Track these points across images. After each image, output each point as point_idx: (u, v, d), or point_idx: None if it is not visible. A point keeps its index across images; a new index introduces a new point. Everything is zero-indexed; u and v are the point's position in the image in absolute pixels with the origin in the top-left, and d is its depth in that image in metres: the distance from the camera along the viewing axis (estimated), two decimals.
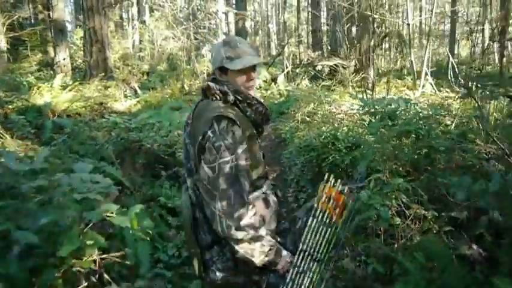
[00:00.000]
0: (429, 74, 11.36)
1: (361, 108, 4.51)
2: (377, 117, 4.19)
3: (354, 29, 18.83)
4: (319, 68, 15.51)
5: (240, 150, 1.53)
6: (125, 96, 8.56)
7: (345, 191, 1.56)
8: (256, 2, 36.07)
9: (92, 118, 6.22)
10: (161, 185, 4.00)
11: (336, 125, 5.87)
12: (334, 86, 14.21)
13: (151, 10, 16.03)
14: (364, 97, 8.09)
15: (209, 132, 1.53)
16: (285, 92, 11.80)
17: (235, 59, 1.63)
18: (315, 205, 1.55)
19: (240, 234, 1.46)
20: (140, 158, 4.02)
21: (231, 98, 1.63)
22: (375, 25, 15.88)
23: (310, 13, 21.16)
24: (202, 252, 1.67)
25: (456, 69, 11.95)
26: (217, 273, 1.62)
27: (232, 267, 1.62)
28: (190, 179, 1.69)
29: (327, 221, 1.55)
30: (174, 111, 6.67)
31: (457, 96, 9.23)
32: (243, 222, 1.47)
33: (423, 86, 11.32)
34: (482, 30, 21.00)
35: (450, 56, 11.54)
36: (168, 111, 6.48)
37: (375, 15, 10.72)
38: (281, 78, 13.52)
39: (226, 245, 1.55)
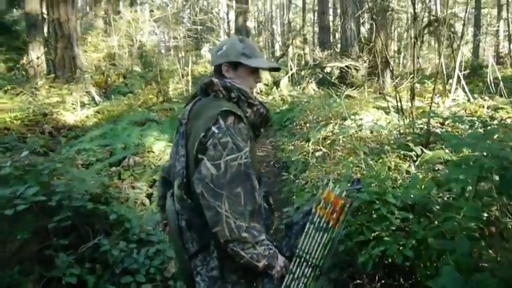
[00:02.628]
0: (462, 78, 9.47)
1: (401, 130, 2.82)
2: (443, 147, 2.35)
3: (365, 26, 17.01)
4: (328, 70, 13.66)
5: (247, 148, 1.47)
6: (83, 104, 6.76)
7: (343, 195, 1.52)
8: (260, 1, 34.63)
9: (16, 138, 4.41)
10: None
11: (371, 161, 3.47)
12: (345, 91, 12.40)
13: (131, 4, 14.27)
14: (393, 107, 6.30)
15: (214, 128, 1.43)
16: (288, 97, 9.99)
17: (252, 57, 1.62)
18: (313, 210, 1.52)
19: (250, 237, 1.39)
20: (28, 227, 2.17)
21: (235, 95, 1.56)
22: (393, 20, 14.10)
23: (317, 11, 19.41)
24: (189, 261, 1.58)
25: (493, 74, 10.13)
26: (202, 284, 1.54)
27: (218, 276, 1.52)
28: (177, 182, 1.56)
29: (324, 226, 1.51)
30: (136, 127, 4.89)
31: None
32: (252, 224, 1.40)
33: (455, 92, 9.44)
34: (497, 32, 19.34)
35: (491, 57, 9.60)
36: (127, 127, 4.70)
37: (396, 7, 8.88)
38: (284, 82, 11.67)
39: (214, 251, 1.50)
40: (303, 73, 13.93)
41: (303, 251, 1.50)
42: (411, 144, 3.36)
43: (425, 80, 13.34)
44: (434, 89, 5.63)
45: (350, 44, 13.87)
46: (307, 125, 5.90)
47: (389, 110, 5.67)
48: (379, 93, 11.96)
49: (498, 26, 19.31)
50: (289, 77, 12.71)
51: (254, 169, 1.53)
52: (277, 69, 1.88)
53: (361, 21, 15.74)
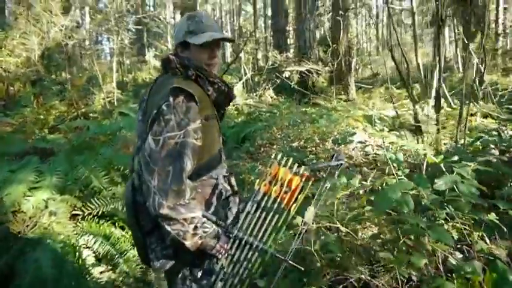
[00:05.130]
0: (442, 80, 8.34)
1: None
2: None
3: (325, 27, 15.86)
4: (286, 74, 12.23)
5: (190, 128, 1.42)
6: None
7: (301, 173, 1.40)
8: (209, 5, 33.23)
9: None
10: None
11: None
12: (312, 98, 11.02)
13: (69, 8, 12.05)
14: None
15: (163, 106, 1.42)
16: (244, 107, 8.38)
17: (199, 33, 1.55)
18: (256, 187, 1.44)
19: (172, 214, 1.37)
20: None
21: (191, 72, 1.53)
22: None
23: (270, 14, 18.15)
24: (144, 238, 1.56)
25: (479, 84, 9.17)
26: (155, 262, 1.51)
27: (172, 255, 1.51)
28: (137, 158, 1.57)
29: (272, 206, 1.43)
30: (6, 165, 3.01)
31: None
32: (177, 202, 1.38)
33: (435, 97, 8.27)
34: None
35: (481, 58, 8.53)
36: None
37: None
38: (238, 89, 10.06)
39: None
40: (256, 79, 12.42)
41: (243, 233, 1.43)
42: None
43: (390, 86, 12.32)
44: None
45: (309, 47, 12.56)
46: (275, 146, 4.28)
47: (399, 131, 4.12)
48: (345, 101, 10.70)
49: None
50: (243, 83, 11.13)
51: (215, 148, 1.57)
52: (230, 40, 1.84)
53: (317, 22, 14.56)
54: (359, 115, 5.27)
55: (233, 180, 1.64)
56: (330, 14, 10.76)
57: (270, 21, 26.49)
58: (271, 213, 1.40)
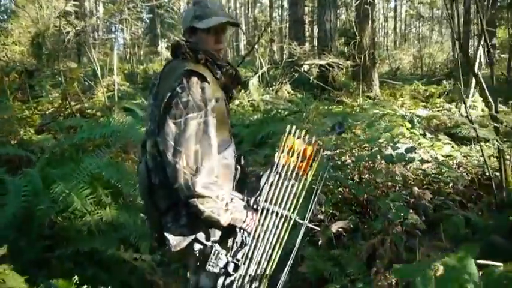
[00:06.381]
0: (481, 77, 7.46)
1: None
2: None
3: (346, 17, 14.98)
4: (305, 68, 11.41)
5: (209, 107, 1.47)
6: None
7: (313, 142, 1.51)
8: None
9: None
10: None
11: None
12: (329, 95, 10.21)
13: None
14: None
15: (178, 88, 1.45)
16: (260, 104, 7.62)
17: (205, 18, 1.58)
18: (275, 159, 1.53)
19: (205, 192, 1.40)
20: None
21: (201, 56, 1.56)
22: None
23: (288, 3, 17.33)
24: (160, 218, 1.57)
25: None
26: (172, 241, 1.51)
27: (187, 234, 1.52)
28: (150, 142, 1.58)
29: (292, 175, 1.51)
30: None
31: None
32: (210, 179, 1.41)
33: (472, 96, 7.43)
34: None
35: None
36: None
37: None
38: (254, 82, 9.27)
39: (183, 209, 1.50)
40: (271, 72, 11.62)
41: (269, 202, 1.52)
42: None
43: (417, 82, 11.44)
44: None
45: (329, 39, 11.71)
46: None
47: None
48: (370, 98, 9.87)
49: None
50: (259, 77, 10.35)
51: (225, 130, 1.60)
52: (235, 24, 1.76)
53: (338, 12, 13.70)
54: (398, 118, 4.48)
55: (243, 160, 1.70)
56: (356, 2, 9.86)
57: (285, 13, 25.66)
58: (291, 182, 1.49)
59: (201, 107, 1.42)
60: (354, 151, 2.98)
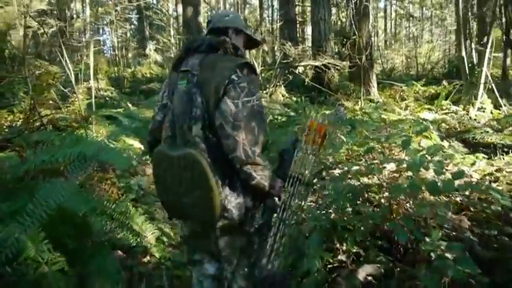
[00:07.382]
0: (490, 78, 6.99)
1: None
2: None
3: (340, 17, 14.53)
4: (300, 69, 10.92)
5: (259, 94, 1.67)
6: None
7: (325, 122, 1.77)
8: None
9: None
10: None
11: None
12: (325, 98, 9.71)
13: None
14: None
15: (233, 76, 1.62)
16: None
17: (248, 29, 1.93)
18: (300, 138, 1.79)
19: (260, 161, 1.58)
20: None
21: (241, 53, 1.81)
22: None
23: (279, 2, 16.85)
24: (209, 194, 1.67)
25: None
26: (234, 211, 1.65)
27: (242, 203, 1.67)
28: (198, 127, 1.66)
29: (311, 151, 1.75)
30: None
31: None
32: (260, 151, 1.60)
33: (481, 97, 6.98)
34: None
35: None
36: None
37: None
38: None
39: (237, 180, 1.64)
40: (264, 74, 11.10)
41: (296, 172, 1.71)
42: None
43: (415, 82, 11.00)
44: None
45: (324, 39, 11.23)
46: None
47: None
48: (370, 100, 9.40)
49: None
50: None
51: None
52: (257, 45, 2.12)
53: (332, 12, 13.23)
54: (414, 124, 3.97)
55: None
56: (353, 0, 9.39)
57: (275, 14, 25.15)
58: (309, 156, 1.74)
59: (253, 93, 1.61)
60: (382, 175, 2.42)
